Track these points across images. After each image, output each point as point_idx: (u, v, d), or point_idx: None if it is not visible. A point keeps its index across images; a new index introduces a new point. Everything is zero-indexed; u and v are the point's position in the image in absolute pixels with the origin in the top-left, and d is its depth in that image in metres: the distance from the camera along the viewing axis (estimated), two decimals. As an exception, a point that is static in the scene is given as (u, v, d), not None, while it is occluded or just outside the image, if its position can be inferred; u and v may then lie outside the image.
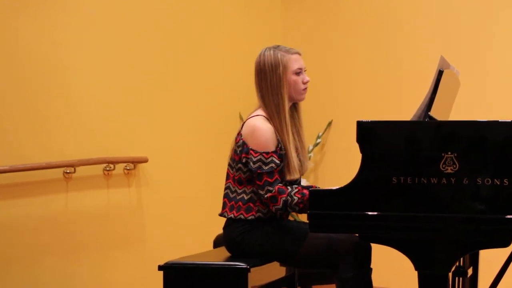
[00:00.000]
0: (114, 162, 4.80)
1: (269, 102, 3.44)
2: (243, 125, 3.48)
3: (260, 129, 3.39)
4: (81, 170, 4.64)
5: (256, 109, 3.51)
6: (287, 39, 5.83)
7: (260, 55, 3.49)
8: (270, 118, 3.44)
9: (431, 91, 3.23)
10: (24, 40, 4.47)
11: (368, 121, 3.05)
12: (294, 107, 3.56)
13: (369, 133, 3.04)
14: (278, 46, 3.51)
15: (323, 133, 5.77)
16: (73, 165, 4.59)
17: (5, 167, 4.31)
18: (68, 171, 4.59)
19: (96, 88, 4.79)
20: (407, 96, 5.31)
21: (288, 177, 3.41)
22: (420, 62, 5.35)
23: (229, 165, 3.52)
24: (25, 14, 4.47)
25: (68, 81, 4.66)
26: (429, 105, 3.19)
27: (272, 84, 3.44)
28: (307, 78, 3.50)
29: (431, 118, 3.17)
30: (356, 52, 5.69)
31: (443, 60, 3.29)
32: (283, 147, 3.41)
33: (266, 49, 3.50)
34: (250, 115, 3.50)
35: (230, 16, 5.62)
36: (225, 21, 5.58)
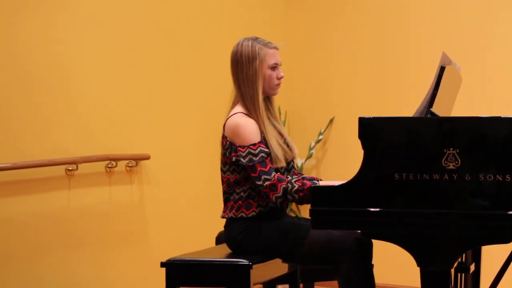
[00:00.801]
0: (116, 159, 4.80)
1: (246, 93, 3.46)
2: (224, 126, 3.48)
3: (242, 123, 3.40)
4: (83, 167, 4.64)
5: (233, 106, 3.52)
6: (289, 36, 5.83)
7: (238, 45, 3.51)
8: (247, 110, 3.45)
9: (433, 87, 3.23)
10: (25, 39, 4.46)
11: (370, 118, 3.05)
12: (268, 99, 3.57)
13: (371, 130, 3.04)
14: (257, 38, 3.52)
15: (325, 130, 5.77)
16: (75, 162, 4.59)
17: (7, 164, 4.31)
18: (70, 168, 4.59)
19: (98, 85, 4.79)
20: (409, 92, 5.31)
21: (274, 165, 3.40)
22: (422, 59, 5.34)
23: (221, 169, 3.53)
24: (25, 13, 4.46)
25: (70, 78, 4.65)
26: (431, 101, 3.19)
27: (248, 76, 3.46)
28: (281, 74, 3.51)
29: (433, 114, 3.17)
30: (358, 48, 5.69)
31: (445, 56, 3.29)
32: (265, 137, 3.42)
33: (244, 40, 3.51)
34: (228, 114, 3.50)
35: (232, 15, 5.62)
36: (227, 19, 5.57)
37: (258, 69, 3.45)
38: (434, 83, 3.23)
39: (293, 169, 3.56)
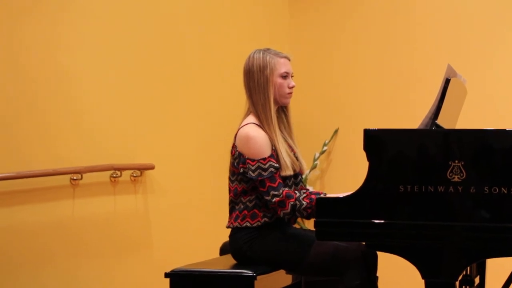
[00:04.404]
0: (121, 169, 4.80)
1: (257, 101, 3.48)
2: (235, 136, 3.49)
3: (253, 136, 3.40)
4: (88, 177, 4.64)
5: (245, 116, 3.53)
6: (294, 47, 5.84)
7: (249, 57, 3.54)
8: (258, 120, 3.45)
9: (438, 99, 3.23)
10: (30, 48, 4.47)
11: (375, 129, 3.05)
12: (283, 110, 3.58)
13: (376, 141, 3.04)
14: (268, 49, 3.55)
15: (329, 141, 5.77)
16: (80, 172, 4.59)
17: (12, 174, 4.31)
18: (75, 177, 4.59)
19: (103, 95, 4.80)
20: (414, 104, 5.31)
21: (282, 173, 3.41)
22: (427, 71, 5.35)
23: (229, 178, 3.54)
24: (30, 22, 4.47)
25: (75, 88, 4.66)
26: (436, 113, 3.19)
27: (259, 84, 3.47)
28: (292, 83, 3.52)
29: (438, 126, 3.17)
30: (363, 59, 5.69)
31: (450, 69, 3.29)
32: (274, 147, 3.42)
33: (255, 52, 3.54)
34: (240, 124, 3.51)
35: (237, 26, 5.63)
36: (231, 30, 5.58)
37: (269, 77, 3.47)
38: (439, 95, 3.23)
39: (301, 183, 3.56)
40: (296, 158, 3.53)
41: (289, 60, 3.55)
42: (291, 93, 3.53)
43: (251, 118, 3.49)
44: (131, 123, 4.93)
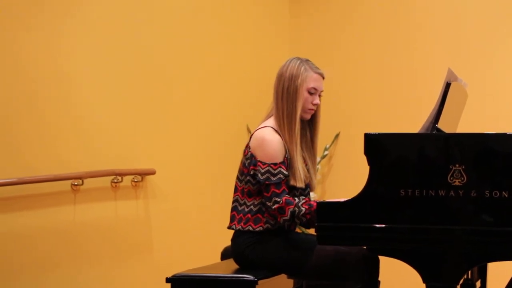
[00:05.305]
0: (122, 174, 4.80)
1: (282, 108, 3.47)
2: (251, 137, 3.49)
3: (268, 140, 3.40)
4: (89, 182, 4.64)
5: (265, 119, 3.52)
6: (294, 51, 5.84)
7: (286, 62, 3.54)
8: (279, 126, 3.45)
9: (438, 103, 3.24)
10: (30, 53, 4.47)
11: (375, 134, 3.05)
12: (309, 126, 3.58)
13: (376, 146, 3.04)
14: (307, 60, 3.54)
15: (330, 145, 5.77)
16: (81, 177, 4.59)
17: (13, 179, 4.31)
18: (76, 183, 4.60)
19: (104, 100, 4.80)
20: (414, 108, 5.31)
21: (292, 183, 3.41)
22: (428, 75, 5.35)
23: (237, 178, 3.53)
24: (31, 27, 4.47)
25: (75, 93, 4.66)
26: (436, 117, 3.20)
27: (289, 91, 3.47)
28: (317, 101, 3.52)
29: (438, 130, 3.17)
30: (363, 60, 5.69)
31: (450, 73, 3.29)
32: (289, 156, 3.42)
33: (294, 59, 3.54)
34: (258, 125, 3.51)
35: (238, 24, 5.63)
36: (231, 33, 5.59)
37: (298, 88, 3.46)
38: (440, 99, 3.23)
39: (308, 196, 3.56)
40: (308, 170, 3.53)
41: (323, 77, 3.55)
42: (312, 109, 3.53)
43: (271, 122, 3.49)
44: (132, 128, 4.93)
